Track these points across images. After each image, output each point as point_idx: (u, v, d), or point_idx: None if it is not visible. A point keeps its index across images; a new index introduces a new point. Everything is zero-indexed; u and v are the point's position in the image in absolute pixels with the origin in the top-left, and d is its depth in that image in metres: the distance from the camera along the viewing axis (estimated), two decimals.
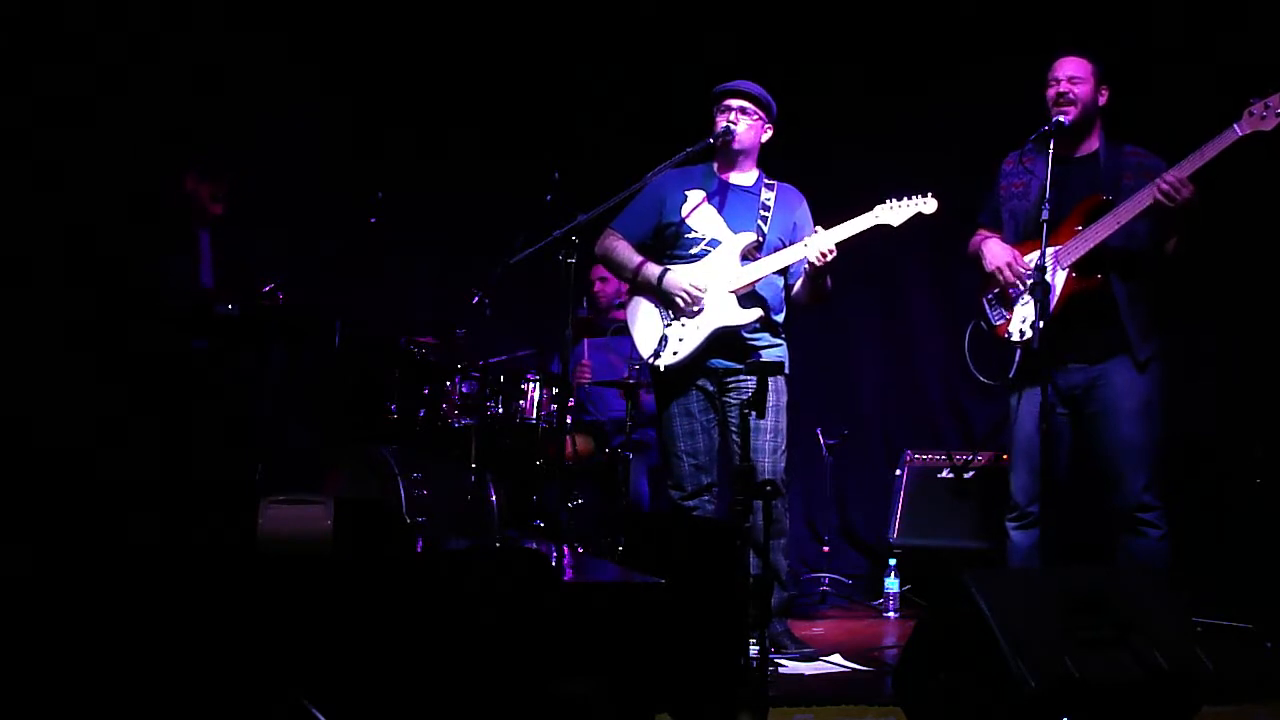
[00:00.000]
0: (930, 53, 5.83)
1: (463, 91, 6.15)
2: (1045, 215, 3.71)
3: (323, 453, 5.09)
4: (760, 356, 4.21)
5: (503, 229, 4.65)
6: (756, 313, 4.20)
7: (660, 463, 4.60)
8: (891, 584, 5.35)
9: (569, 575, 3.42)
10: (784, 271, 4.28)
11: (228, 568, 2.79)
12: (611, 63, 6.19)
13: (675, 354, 4.22)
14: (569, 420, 5.34)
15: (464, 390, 5.20)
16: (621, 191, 4.15)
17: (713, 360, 4.23)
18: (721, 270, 4.23)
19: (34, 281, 4.55)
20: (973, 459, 5.58)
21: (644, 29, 6.09)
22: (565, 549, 3.83)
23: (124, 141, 4.94)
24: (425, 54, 6.07)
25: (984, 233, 4.21)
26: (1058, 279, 3.85)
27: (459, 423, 5.15)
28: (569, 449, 5.42)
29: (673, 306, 4.23)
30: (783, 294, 4.32)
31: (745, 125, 4.26)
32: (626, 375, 5.34)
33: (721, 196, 4.32)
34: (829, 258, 4.08)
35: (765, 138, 4.34)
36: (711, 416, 4.29)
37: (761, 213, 4.29)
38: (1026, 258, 3.94)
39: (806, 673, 3.95)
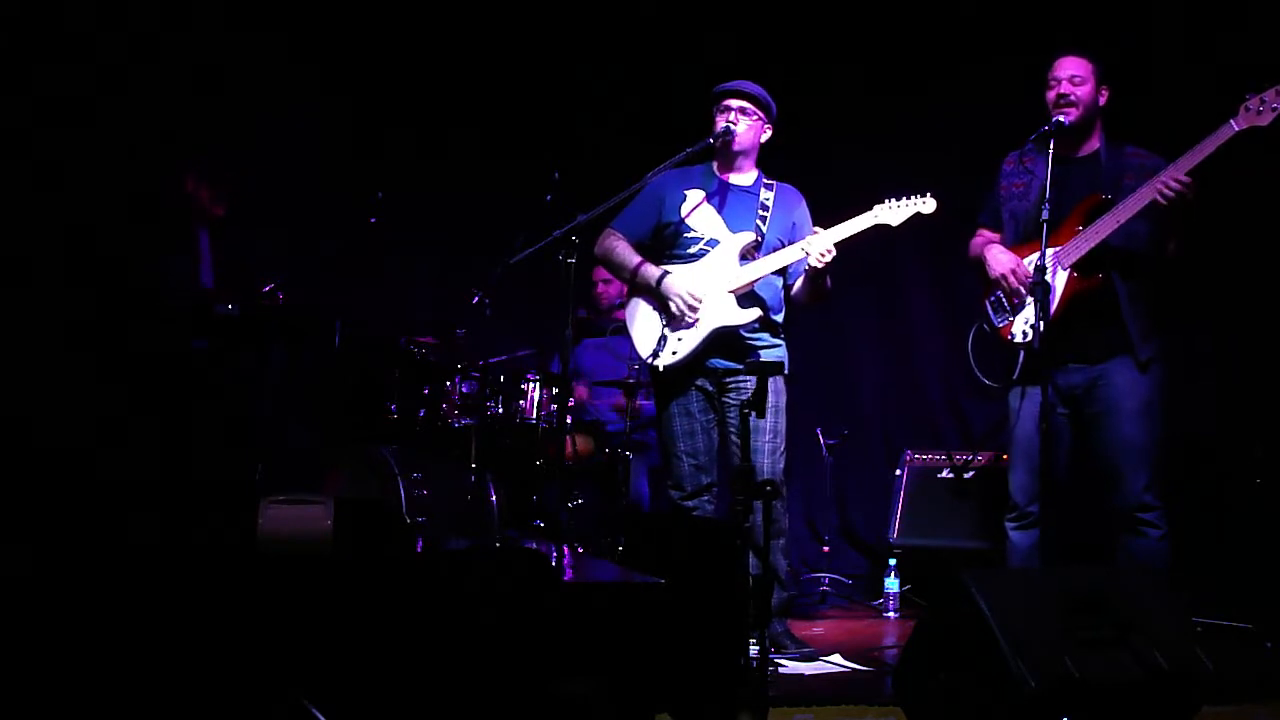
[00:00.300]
0: (930, 53, 5.83)
1: (463, 91, 6.16)
2: (1045, 215, 3.71)
3: (323, 453, 5.09)
4: (759, 356, 4.21)
5: (503, 229, 4.65)
6: (755, 313, 4.20)
7: (660, 463, 4.60)
8: (891, 584, 5.35)
9: (569, 575, 3.42)
10: (783, 272, 4.28)
11: (228, 568, 2.78)
12: (611, 63, 6.19)
13: (674, 354, 4.22)
14: (569, 420, 5.34)
15: (464, 390, 5.20)
16: (621, 191, 4.15)
17: (712, 360, 4.23)
18: (720, 270, 4.22)
19: (34, 281, 4.55)
20: (973, 459, 5.58)
21: (644, 29, 6.09)
22: (565, 549, 3.83)
23: (124, 141, 4.94)
24: (425, 54, 6.07)
25: (984, 234, 4.21)
26: (1059, 279, 3.85)
27: (459, 423, 5.15)
28: (569, 449, 5.42)
29: (669, 312, 4.23)
30: (782, 294, 4.32)
31: (745, 125, 4.26)
32: (627, 375, 5.34)
33: (721, 196, 4.32)
34: (828, 258, 4.08)
35: (765, 138, 4.34)
36: (711, 417, 4.28)
37: (760, 213, 4.29)
38: (1027, 259, 3.94)
39: (806, 673, 3.95)
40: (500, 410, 5.21)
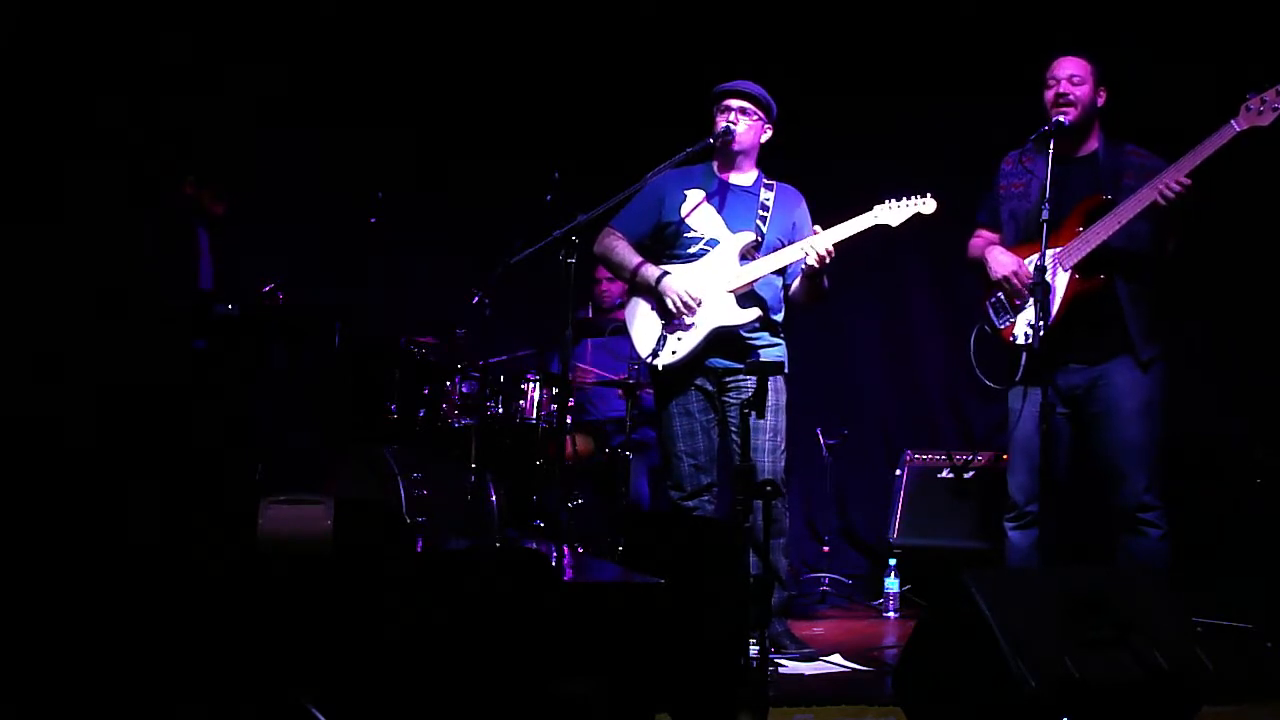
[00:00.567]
0: (930, 53, 5.83)
1: (463, 91, 6.15)
2: (1045, 215, 3.71)
3: (323, 453, 5.09)
4: (759, 356, 4.21)
5: (503, 229, 4.65)
6: (755, 312, 4.20)
7: (660, 463, 4.60)
8: (891, 584, 5.35)
9: (569, 575, 3.42)
10: (782, 271, 4.28)
11: (228, 568, 2.78)
12: (611, 63, 6.18)
13: (674, 353, 4.22)
14: (569, 420, 5.34)
15: (464, 390, 5.21)
16: (621, 191, 4.15)
17: (711, 360, 4.23)
18: (720, 270, 4.22)
19: (34, 282, 4.55)
20: (973, 459, 5.58)
21: (644, 29, 6.09)
22: (565, 549, 3.83)
23: (124, 141, 4.94)
24: (425, 54, 6.07)
25: (984, 234, 4.21)
26: (1060, 280, 3.85)
27: (459, 423, 5.16)
28: (569, 449, 5.42)
29: (668, 311, 4.23)
30: (781, 294, 4.32)
31: (745, 125, 4.26)
32: (626, 375, 5.34)
33: (721, 196, 4.32)
34: (828, 258, 4.08)
35: (765, 138, 4.34)
36: (711, 416, 4.28)
37: (760, 212, 4.29)
38: (1027, 259, 3.94)
39: (806, 673, 3.95)
40: (500, 410, 5.21)
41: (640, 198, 4.31)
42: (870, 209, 4.15)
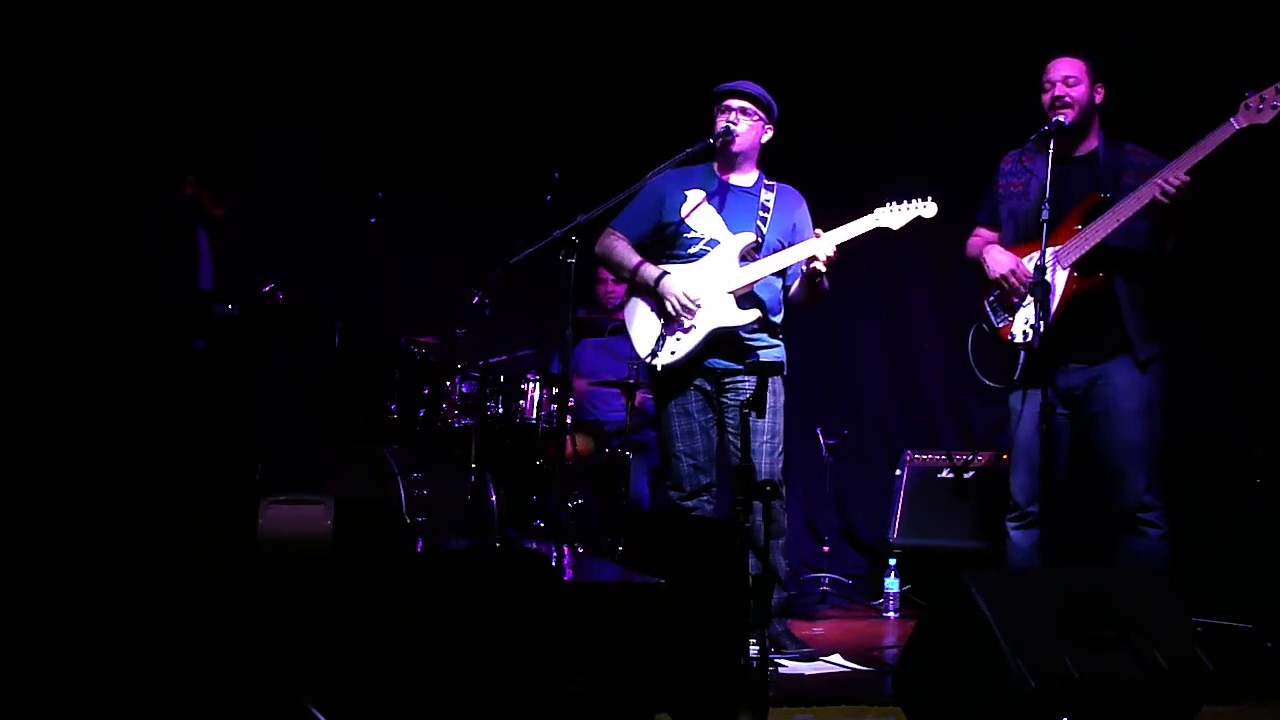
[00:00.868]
0: (930, 53, 5.83)
1: (463, 91, 6.15)
2: (1045, 215, 3.71)
3: (323, 453, 5.09)
4: (758, 357, 4.21)
5: (503, 229, 4.65)
6: (754, 314, 4.20)
7: (660, 463, 4.60)
8: (891, 584, 5.35)
9: (569, 575, 3.42)
10: (782, 273, 4.28)
11: (228, 568, 2.78)
12: (611, 63, 6.18)
13: (673, 353, 4.22)
14: (569, 420, 5.34)
15: (464, 390, 5.21)
16: (621, 192, 4.15)
17: (711, 361, 4.23)
18: (720, 270, 4.22)
19: (34, 282, 4.55)
20: (973, 459, 5.58)
21: (644, 29, 6.09)
22: (565, 549, 3.83)
23: (124, 141, 4.94)
24: (425, 54, 6.06)
25: (983, 233, 4.21)
26: (1059, 279, 3.85)
27: (459, 423, 5.16)
28: (569, 449, 5.42)
29: (667, 312, 4.23)
30: (780, 295, 4.31)
31: (746, 126, 4.25)
32: (626, 375, 5.34)
33: (721, 197, 4.31)
34: (830, 261, 4.08)
35: (765, 138, 4.34)
36: (710, 416, 4.28)
37: (761, 213, 4.29)
38: (1026, 258, 3.94)
39: (806, 673, 3.95)
40: (500, 410, 5.21)
41: (640, 198, 4.31)
42: (871, 211, 4.15)
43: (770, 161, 4.42)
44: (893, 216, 4.13)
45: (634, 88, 6.14)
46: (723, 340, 4.20)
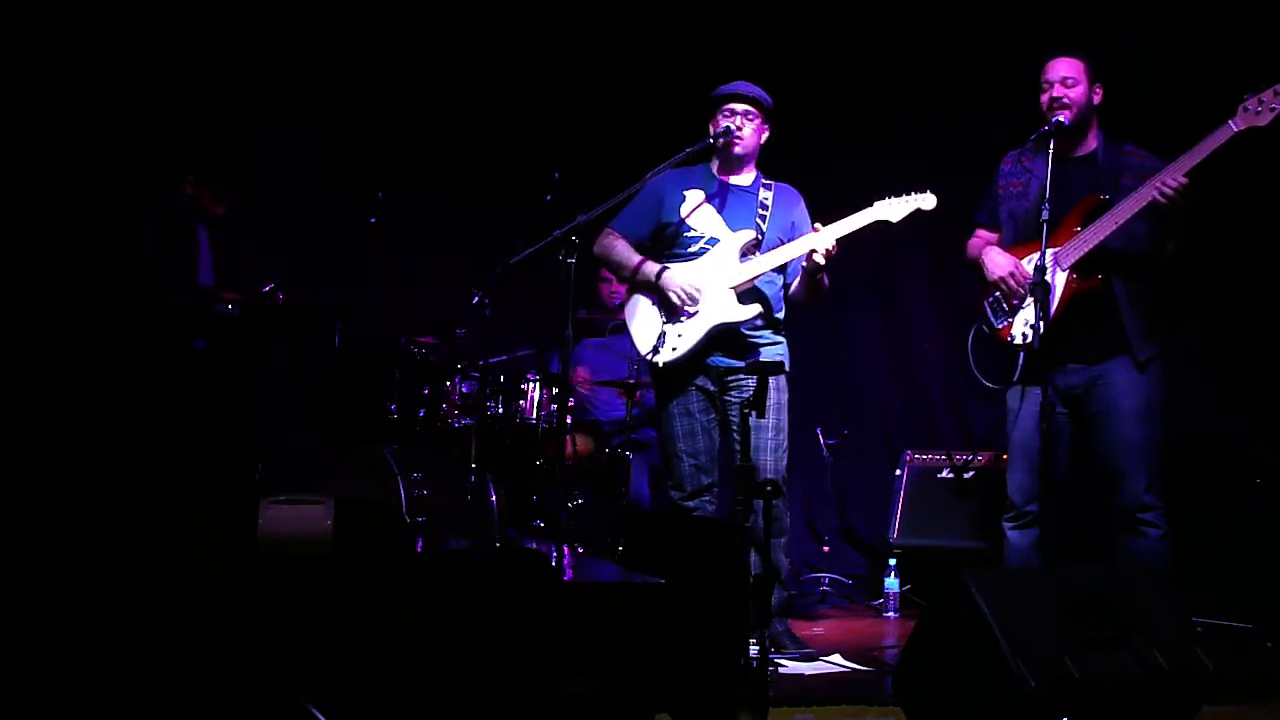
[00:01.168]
0: (930, 53, 5.83)
1: (463, 91, 6.15)
2: (1045, 215, 3.71)
3: (323, 453, 5.09)
4: (760, 354, 4.21)
5: (503, 229, 4.65)
6: (756, 309, 4.20)
7: (660, 462, 4.60)
8: (891, 584, 5.35)
9: (569, 575, 3.42)
10: (783, 270, 4.28)
11: (228, 568, 2.79)
12: (611, 63, 6.18)
13: (674, 349, 4.22)
14: (569, 420, 5.34)
15: (464, 390, 5.21)
16: (621, 192, 4.15)
17: (712, 358, 4.23)
18: (721, 267, 4.23)
19: (34, 282, 4.55)
20: (973, 459, 5.58)
21: (644, 29, 6.09)
22: (565, 549, 3.83)
23: (124, 141, 4.94)
24: (425, 54, 6.06)
25: (983, 234, 4.21)
26: (1058, 280, 3.85)
27: (459, 423, 5.16)
28: (569, 449, 5.42)
29: (669, 306, 4.23)
30: (781, 293, 4.32)
31: (749, 130, 4.26)
32: (627, 375, 5.34)
33: (721, 197, 4.32)
34: (830, 254, 4.07)
35: (764, 138, 4.34)
36: (712, 416, 4.28)
37: (760, 211, 4.29)
38: (1025, 259, 3.94)
39: (806, 673, 3.95)
40: (500, 410, 5.21)
41: (639, 199, 4.31)
42: (871, 204, 4.15)
43: (770, 161, 4.43)
44: (891, 209, 4.13)
45: (634, 88, 6.14)
46: (725, 336, 4.20)
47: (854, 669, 4.04)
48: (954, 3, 5.73)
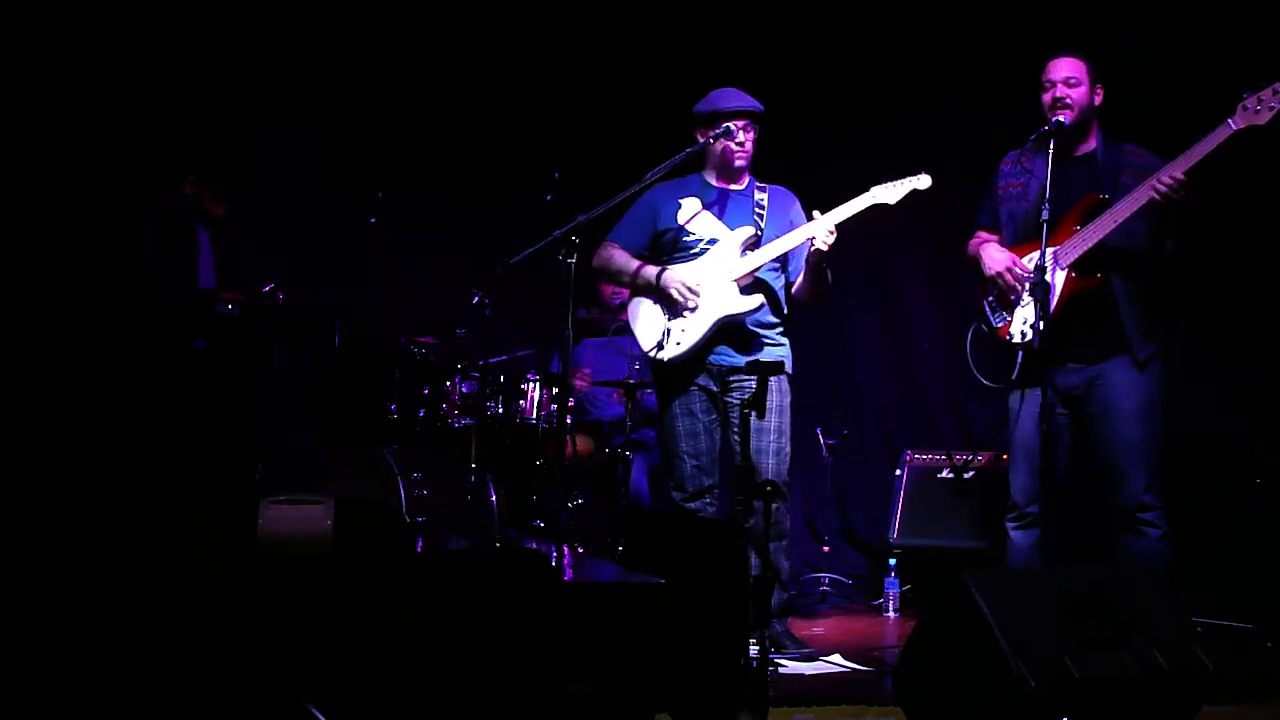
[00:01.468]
0: (930, 53, 5.83)
1: (463, 91, 6.15)
2: (1045, 215, 3.71)
3: (323, 453, 5.09)
4: (763, 350, 4.21)
5: (503, 229, 4.65)
6: (759, 299, 4.19)
7: (661, 463, 4.60)
8: (891, 584, 5.35)
9: (569, 575, 3.42)
10: (784, 269, 4.28)
11: (228, 568, 2.79)
12: (611, 63, 6.18)
13: (679, 344, 4.22)
14: (569, 420, 5.34)
15: (464, 390, 5.21)
16: (622, 191, 4.15)
17: (715, 355, 4.23)
18: (722, 262, 4.23)
19: (34, 282, 4.56)
20: (973, 459, 5.58)
21: (644, 30, 6.09)
22: (565, 549, 3.83)
23: (124, 141, 4.94)
24: (425, 54, 6.06)
25: (983, 235, 4.21)
26: (1057, 279, 3.85)
27: (459, 423, 5.16)
28: (569, 449, 5.42)
29: (671, 303, 4.23)
30: (784, 292, 4.32)
31: (750, 142, 4.28)
32: (627, 375, 5.34)
33: (719, 204, 4.33)
34: (830, 239, 4.06)
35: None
36: (714, 417, 4.28)
37: (757, 210, 4.30)
38: (1025, 258, 3.94)
39: (806, 673, 3.95)
40: (500, 410, 5.21)
41: (634, 212, 4.34)
42: (867, 190, 4.15)
43: (770, 161, 4.43)
44: (888, 192, 4.13)
45: (634, 88, 6.14)
46: (729, 330, 4.20)
47: (854, 669, 4.04)
48: (954, 3, 5.73)
